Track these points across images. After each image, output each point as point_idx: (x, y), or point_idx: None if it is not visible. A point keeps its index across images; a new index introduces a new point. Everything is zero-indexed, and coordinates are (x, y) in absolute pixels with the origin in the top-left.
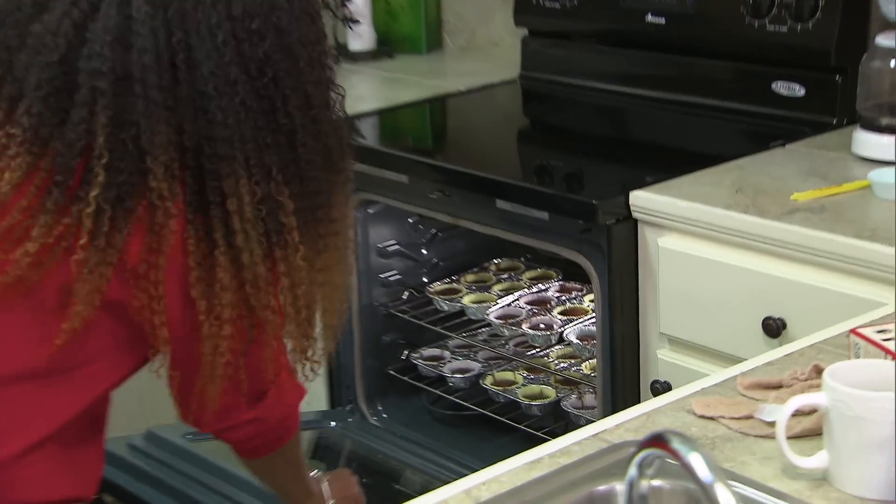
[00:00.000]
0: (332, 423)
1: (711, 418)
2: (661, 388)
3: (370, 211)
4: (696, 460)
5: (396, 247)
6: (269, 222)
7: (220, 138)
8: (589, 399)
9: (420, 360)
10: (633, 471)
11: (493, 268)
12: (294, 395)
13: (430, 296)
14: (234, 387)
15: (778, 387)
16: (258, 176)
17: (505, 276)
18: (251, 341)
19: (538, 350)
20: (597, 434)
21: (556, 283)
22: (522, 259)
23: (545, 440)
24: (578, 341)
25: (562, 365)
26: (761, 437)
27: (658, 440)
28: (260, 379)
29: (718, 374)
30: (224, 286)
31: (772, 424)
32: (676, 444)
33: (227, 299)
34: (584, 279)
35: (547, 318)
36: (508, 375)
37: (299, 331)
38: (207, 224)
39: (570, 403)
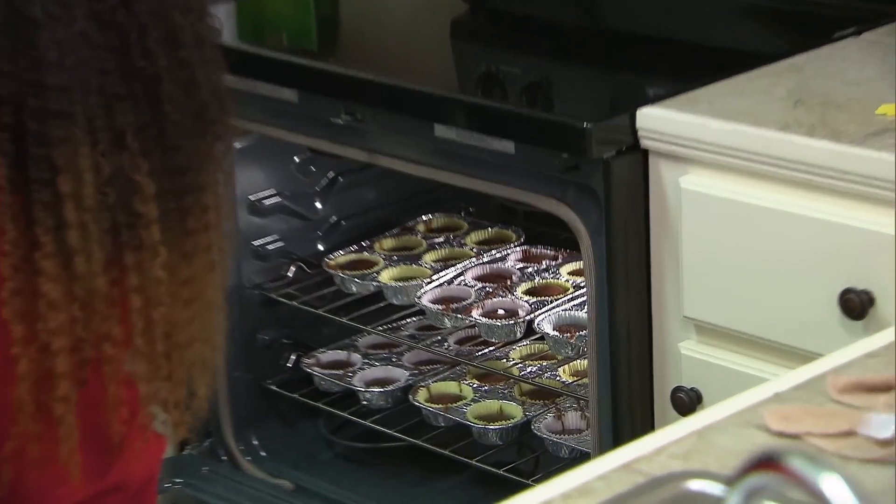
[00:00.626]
0: (178, 482)
1: (794, 436)
2: (687, 397)
3: (237, 146)
4: (832, 485)
5: (277, 199)
6: (120, 212)
7: (53, 87)
8: (573, 419)
9: (317, 369)
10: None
11: (421, 228)
12: (157, 448)
13: (330, 271)
14: (72, 447)
15: (887, 389)
16: (105, 143)
17: (440, 239)
18: (83, 383)
19: (495, 348)
20: (628, 463)
21: (517, 249)
22: (463, 214)
23: (512, 482)
24: (556, 333)
25: (531, 369)
26: (871, 461)
27: (769, 461)
28: (104, 436)
29: (797, 372)
30: (52, 304)
31: (886, 443)
32: (798, 464)
33: (56, 322)
34: (556, 242)
35: (507, 300)
36: (451, 387)
37: (153, 371)
38: (30, 212)
39: (544, 426)
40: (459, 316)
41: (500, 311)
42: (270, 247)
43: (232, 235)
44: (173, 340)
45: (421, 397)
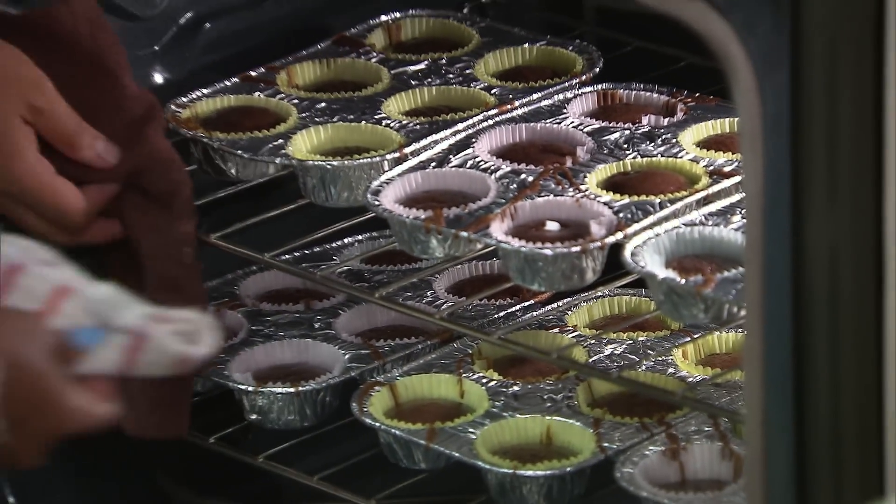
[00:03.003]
0: None
1: None
2: None
3: None
4: None
5: None
6: None
7: None
8: (703, 458)
9: None
10: None
11: (379, 41)
12: None
13: (184, 131)
14: None
15: None
16: None
17: (420, 66)
18: None
19: (537, 305)
20: None
21: (587, 90)
22: (469, 11)
23: None
24: (672, 274)
25: (612, 351)
26: None
27: None
28: None
29: None
30: None
31: None
32: None
33: None
34: (669, 76)
35: (566, 201)
36: (441, 387)
37: None
38: None
39: (641, 472)
40: (463, 234)
41: (551, 225)
42: None
43: None
44: None
45: (377, 407)
